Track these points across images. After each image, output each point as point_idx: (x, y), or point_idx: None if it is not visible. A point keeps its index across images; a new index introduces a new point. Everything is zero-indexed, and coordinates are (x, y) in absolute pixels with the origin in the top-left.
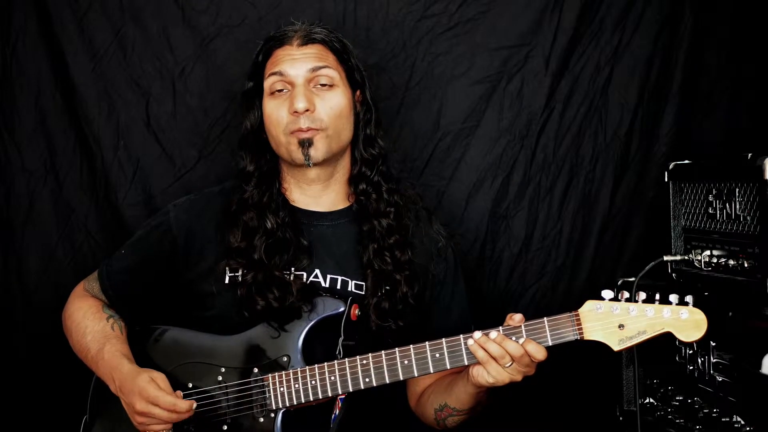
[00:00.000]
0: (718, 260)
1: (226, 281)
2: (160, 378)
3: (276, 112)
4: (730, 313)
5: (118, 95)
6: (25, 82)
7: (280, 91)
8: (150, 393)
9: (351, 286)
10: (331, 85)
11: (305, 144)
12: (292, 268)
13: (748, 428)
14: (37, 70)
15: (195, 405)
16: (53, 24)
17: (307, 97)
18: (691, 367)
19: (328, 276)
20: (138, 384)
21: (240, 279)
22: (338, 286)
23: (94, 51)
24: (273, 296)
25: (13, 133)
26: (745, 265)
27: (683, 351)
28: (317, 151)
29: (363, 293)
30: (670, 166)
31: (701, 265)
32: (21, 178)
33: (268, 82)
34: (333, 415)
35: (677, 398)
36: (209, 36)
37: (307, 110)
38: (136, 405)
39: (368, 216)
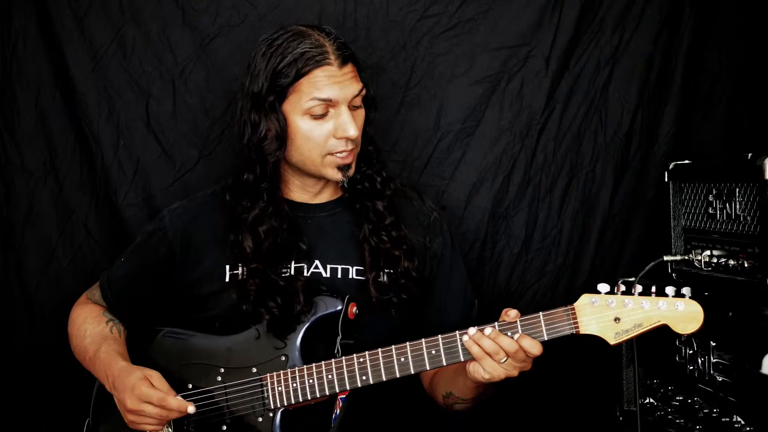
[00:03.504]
0: (718, 260)
1: (227, 279)
2: (155, 376)
3: (317, 134)
4: (730, 313)
5: (118, 95)
6: (25, 82)
7: (323, 114)
8: (142, 391)
9: (352, 272)
10: (359, 105)
11: (346, 168)
12: (292, 262)
13: (748, 428)
14: (37, 70)
15: (192, 409)
16: (53, 24)
17: (356, 123)
18: (691, 367)
19: (329, 266)
20: (130, 380)
21: (240, 279)
22: (339, 275)
23: (94, 51)
24: (275, 304)
25: (13, 133)
26: (745, 265)
27: (683, 351)
28: (352, 169)
29: (363, 278)
30: (670, 166)
31: (701, 265)
32: (21, 178)
33: (310, 104)
34: (333, 415)
35: (677, 398)
36: (209, 36)
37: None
38: (127, 402)
39: (363, 201)
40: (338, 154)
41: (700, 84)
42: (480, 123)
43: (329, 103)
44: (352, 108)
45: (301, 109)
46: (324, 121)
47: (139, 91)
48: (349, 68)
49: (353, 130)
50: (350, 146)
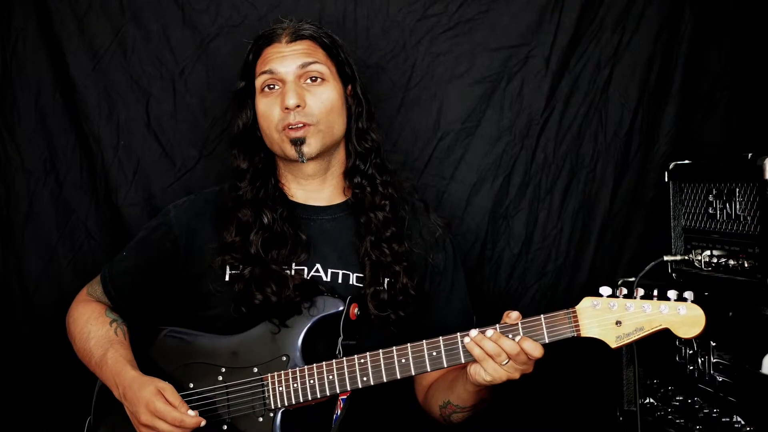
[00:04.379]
0: (718, 260)
1: (227, 279)
2: (168, 389)
3: (268, 110)
4: (730, 313)
5: (118, 95)
6: (25, 82)
7: (271, 88)
8: (157, 407)
9: (352, 279)
10: (321, 80)
11: (297, 143)
12: (293, 264)
13: (748, 428)
14: (37, 70)
15: (203, 422)
16: (53, 24)
17: (298, 93)
18: (691, 367)
19: (329, 270)
20: (144, 395)
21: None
22: (339, 280)
23: (94, 51)
24: (271, 290)
25: (13, 133)
26: (745, 265)
27: (683, 351)
28: (310, 147)
29: (362, 286)
30: (670, 166)
31: (701, 265)
32: (21, 178)
33: (259, 81)
34: (334, 416)
35: (677, 398)
36: (209, 36)
37: (298, 106)
38: (141, 416)
39: (364, 209)
40: (289, 130)
41: (700, 84)
42: (480, 123)
43: (274, 76)
44: (309, 82)
45: (258, 90)
46: (275, 96)
47: (139, 91)
48: (300, 45)
49: (291, 99)
50: (297, 118)
